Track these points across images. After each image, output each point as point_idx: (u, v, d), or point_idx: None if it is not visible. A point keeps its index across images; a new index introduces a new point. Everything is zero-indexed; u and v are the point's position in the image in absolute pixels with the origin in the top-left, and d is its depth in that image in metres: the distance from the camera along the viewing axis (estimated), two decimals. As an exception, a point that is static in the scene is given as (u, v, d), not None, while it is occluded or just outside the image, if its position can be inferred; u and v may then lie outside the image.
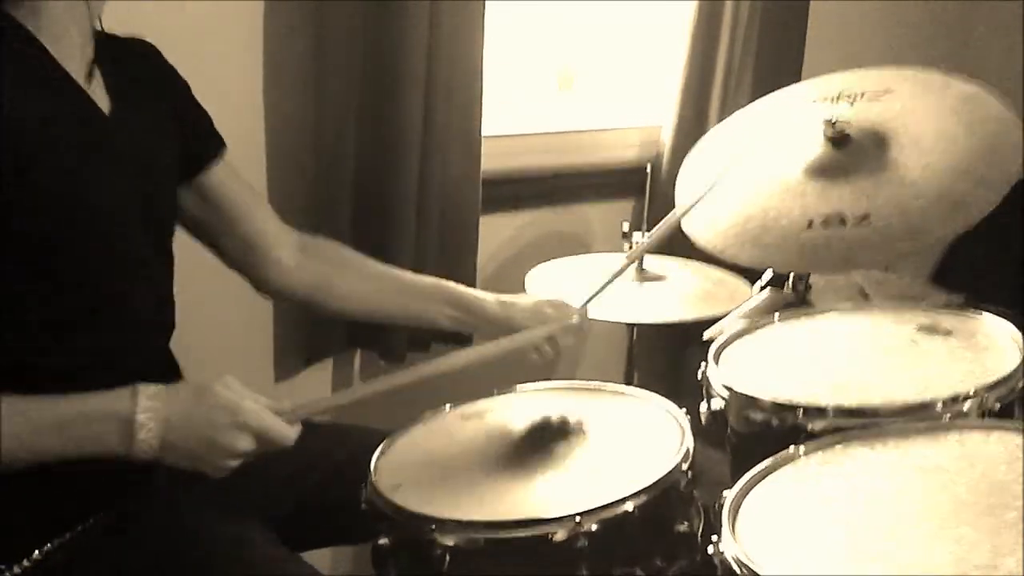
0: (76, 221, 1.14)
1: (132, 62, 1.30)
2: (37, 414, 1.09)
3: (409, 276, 1.57)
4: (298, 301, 1.55)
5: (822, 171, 1.60)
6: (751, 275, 1.93)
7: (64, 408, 1.11)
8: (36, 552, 1.14)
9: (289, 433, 1.19)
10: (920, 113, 1.62)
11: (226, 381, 1.17)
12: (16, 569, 1.13)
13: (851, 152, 1.61)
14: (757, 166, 1.68)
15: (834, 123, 1.61)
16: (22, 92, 1.09)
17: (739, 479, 1.13)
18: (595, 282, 1.57)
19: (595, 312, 1.70)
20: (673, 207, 2.37)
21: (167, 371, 1.36)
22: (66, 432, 1.10)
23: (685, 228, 1.62)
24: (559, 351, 1.51)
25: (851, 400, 1.30)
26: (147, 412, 1.11)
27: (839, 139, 1.60)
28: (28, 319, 1.13)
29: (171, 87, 1.38)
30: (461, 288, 1.56)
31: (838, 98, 1.64)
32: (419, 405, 1.44)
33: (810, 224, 1.51)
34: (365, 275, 1.54)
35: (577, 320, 1.51)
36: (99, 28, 1.23)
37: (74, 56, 1.17)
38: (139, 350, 1.27)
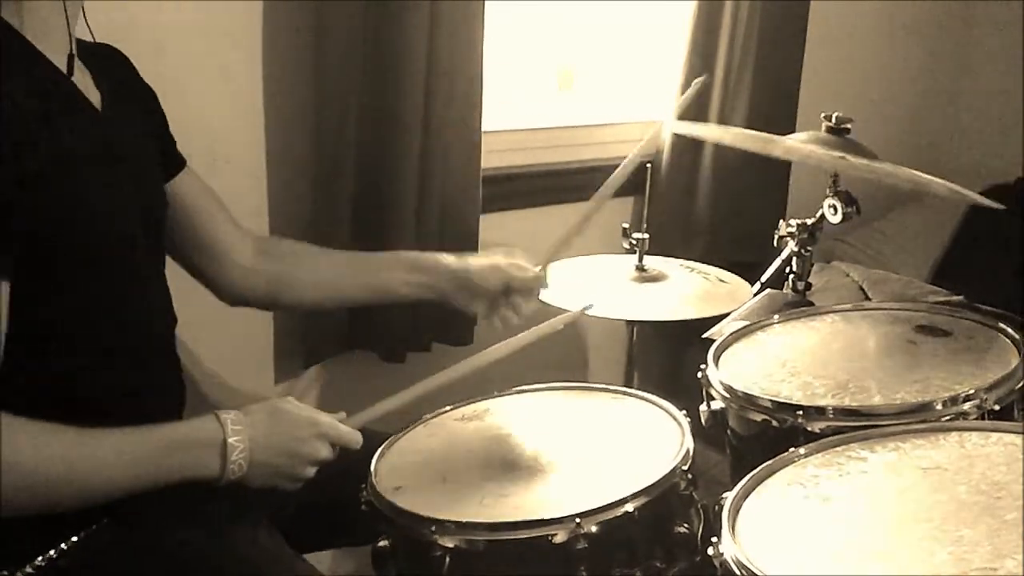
0: (77, 219, 1.13)
1: (111, 65, 1.31)
2: (131, 446, 1.12)
3: (364, 255, 1.57)
4: (258, 301, 1.55)
5: (823, 143, 1.61)
6: (751, 274, 1.93)
7: (155, 437, 1.15)
8: (40, 557, 1.14)
9: (359, 438, 1.27)
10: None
11: (289, 399, 1.25)
12: (19, 575, 1.13)
13: (849, 144, 1.62)
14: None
15: (831, 116, 1.62)
16: (20, 89, 1.08)
17: (739, 480, 1.13)
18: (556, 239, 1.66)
19: (596, 312, 1.71)
20: (673, 207, 2.39)
21: (172, 368, 1.36)
22: (166, 460, 1.14)
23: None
24: (519, 312, 1.53)
25: (851, 400, 1.30)
26: (236, 435, 1.17)
27: (838, 131, 1.61)
28: (35, 319, 1.12)
29: (145, 94, 1.39)
30: (415, 252, 1.57)
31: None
32: (419, 406, 1.44)
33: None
34: (321, 263, 1.54)
35: (576, 312, 1.51)
36: (85, 24, 1.24)
37: (60, 52, 1.17)
38: (148, 347, 1.28)
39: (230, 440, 1.16)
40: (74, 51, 1.18)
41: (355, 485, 1.26)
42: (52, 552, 1.14)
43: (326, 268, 1.54)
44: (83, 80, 1.21)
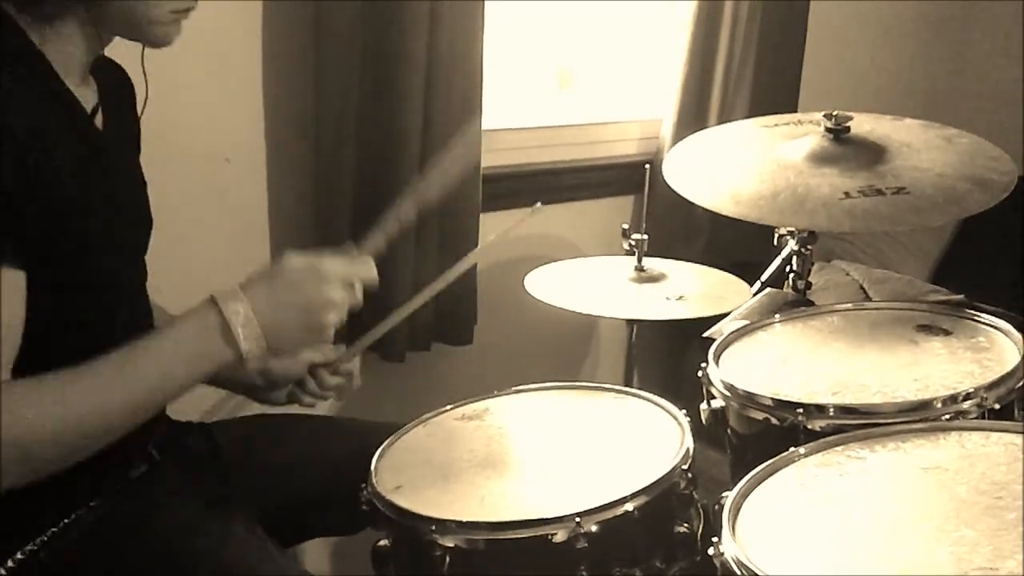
0: (72, 229, 1.09)
1: (115, 84, 1.29)
2: (134, 365, 1.06)
3: None
4: None
5: (826, 159, 1.60)
6: (751, 274, 1.93)
7: (156, 345, 1.09)
8: (18, 553, 1.12)
9: (371, 267, 1.19)
10: (910, 134, 1.70)
11: (288, 254, 1.16)
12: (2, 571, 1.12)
13: (851, 146, 1.62)
14: (751, 153, 1.70)
15: (833, 115, 1.62)
16: (31, 109, 1.05)
17: (739, 480, 1.13)
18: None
19: (596, 312, 1.71)
20: (673, 207, 2.39)
21: None
22: (173, 367, 1.08)
23: (700, 202, 1.63)
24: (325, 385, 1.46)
25: (851, 400, 1.30)
26: (236, 309, 1.09)
27: (839, 131, 1.61)
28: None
29: (135, 127, 1.36)
30: None
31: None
32: (419, 405, 1.44)
33: (847, 194, 1.52)
34: None
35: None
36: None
37: (76, 74, 1.15)
38: None
39: (230, 318, 1.08)
40: (89, 73, 1.17)
41: (352, 477, 1.26)
42: (28, 547, 1.12)
43: None
44: (85, 93, 1.18)
